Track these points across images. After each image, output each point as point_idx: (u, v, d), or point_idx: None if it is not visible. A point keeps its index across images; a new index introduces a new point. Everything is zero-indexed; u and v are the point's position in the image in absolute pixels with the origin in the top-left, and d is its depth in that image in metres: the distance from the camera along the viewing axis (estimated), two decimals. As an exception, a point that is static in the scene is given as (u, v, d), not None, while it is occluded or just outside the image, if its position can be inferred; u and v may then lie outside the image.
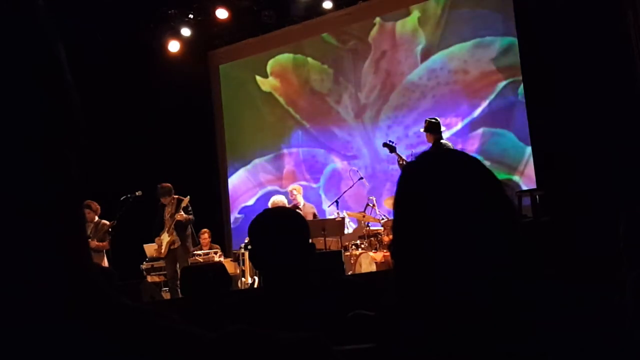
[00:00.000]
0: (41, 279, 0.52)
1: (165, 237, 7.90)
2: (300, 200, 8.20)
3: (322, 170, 10.29)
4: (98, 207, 7.50)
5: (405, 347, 1.11)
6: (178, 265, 7.74)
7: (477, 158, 1.16)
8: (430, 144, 7.05)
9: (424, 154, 1.24)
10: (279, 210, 2.40)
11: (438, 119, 7.21)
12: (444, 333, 1.06)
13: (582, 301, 1.09)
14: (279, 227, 1.86)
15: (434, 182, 1.12)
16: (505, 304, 1.04)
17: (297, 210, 6.64)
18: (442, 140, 7.09)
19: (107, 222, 7.58)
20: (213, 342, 0.54)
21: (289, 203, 8.13)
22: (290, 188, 8.46)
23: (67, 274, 0.54)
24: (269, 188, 10.51)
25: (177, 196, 7.98)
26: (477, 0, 9.16)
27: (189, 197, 7.96)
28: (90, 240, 6.39)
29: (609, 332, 1.05)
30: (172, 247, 7.93)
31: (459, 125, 9.10)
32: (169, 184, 8.02)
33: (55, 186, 0.53)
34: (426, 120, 7.17)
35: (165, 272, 8.35)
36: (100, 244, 7.47)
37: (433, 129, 7.04)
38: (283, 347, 0.54)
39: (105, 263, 7.57)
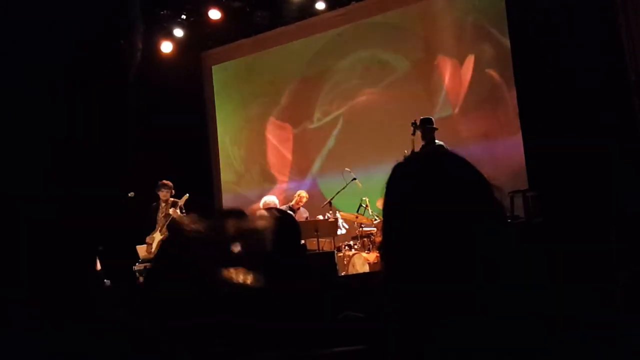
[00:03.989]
0: (35, 290, 0.51)
1: (157, 236, 7.82)
2: (299, 206, 8.27)
3: (314, 169, 10.29)
4: None
5: (394, 349, 1.11)
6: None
7: (466, 159, 1.15)
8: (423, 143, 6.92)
9: (414, 154, 1.24)
10: (269, 211, 2.38)
11: (429, 117, 7.08)
12: (432, 334, 1.06)
13: (573, 301, 1.09)
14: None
15: (422, 183, 1.11)
16: (494, 305, 1.04)
17: (290, 212, 6.65)
18: (436, 142, 7.01)
19: None
20: None
21: (286, 202, 8.21)
22: (301, 193, 8.46)
23: (60, 288, 0.53)
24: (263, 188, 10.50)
25: (172, 199, 7.88)
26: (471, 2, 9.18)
27: (187, 195, 7.90)
28: None
29: (599, 332, 1.05)
30: None
31: (451, 127, 9.11)
32: (170, 182, 7.94)
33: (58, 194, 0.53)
34: (413, 123, 6.92)
35: (157, 274, 8.31)
36: None
37: (423, 126, 6.86)
38: None
39: (98, 265, 7.52)
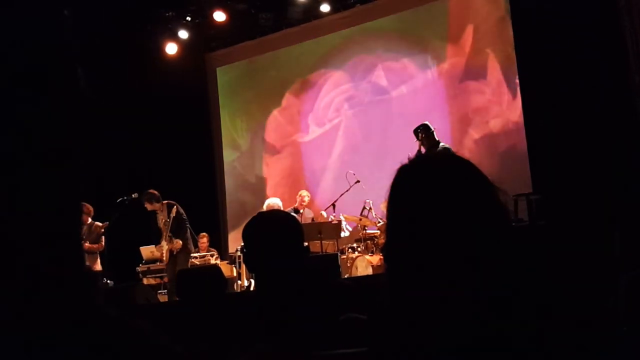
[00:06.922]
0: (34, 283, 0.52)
1: (164, 245, 7.80)
2: (303, 206, 8.26)
3: (320, 173, 10.28)
4: (91, 209, 7.43)
5: (396, 351, 1.11)
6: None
7: (470, 162, 1.15)
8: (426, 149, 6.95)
9: (418, 156, 1.24)
10: (272, 213, 2.39)
11: (426, 123, 7.12)
12: (435, 336, 1.06)
13: (575, 303, 1.09)
14: (272, 230, 1.86)
15: (426, 185, 1.11)
16: (497, 307, 1.04)
17: (293, 215, 6.66)
18: (441, 144, 7.03)
19: (100, 224, 7.53)
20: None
21: (293, 204, 8.21)
22: (302, 193, 8.46)
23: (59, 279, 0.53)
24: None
25: (166, 201, 7.83)
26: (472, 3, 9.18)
27: (176, 206, 7.75)
28: (83, 242, 6.29)
29: (601, 332, 1.05)
30: (173, 253, 7.82)
31: (454, 129, 9.11)
32: (154, 191, 7.80)
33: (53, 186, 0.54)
34: (416, 130, 7.02)
35: (161, 275, 8.33)
36: (94, 245, 7.44)
37: (424, 134, 6.94)
38: None
39: (99, 265, 7.53)
